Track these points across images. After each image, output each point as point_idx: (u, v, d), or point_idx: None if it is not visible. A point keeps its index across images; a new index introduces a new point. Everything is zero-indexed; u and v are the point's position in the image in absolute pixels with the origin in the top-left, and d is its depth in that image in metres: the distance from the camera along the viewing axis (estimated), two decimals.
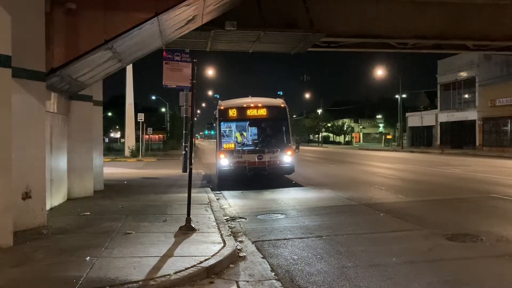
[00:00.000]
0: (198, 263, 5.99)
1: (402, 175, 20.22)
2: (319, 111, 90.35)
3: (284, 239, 8.14)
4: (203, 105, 78.36)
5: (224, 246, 6.88)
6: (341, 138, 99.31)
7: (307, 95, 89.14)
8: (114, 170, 21.22)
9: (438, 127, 53.33)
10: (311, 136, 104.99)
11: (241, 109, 16.35)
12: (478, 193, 13.62)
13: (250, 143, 16.96)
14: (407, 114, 61.42)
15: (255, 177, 15.77)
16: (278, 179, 16.88)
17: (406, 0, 17.17)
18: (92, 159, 12.71)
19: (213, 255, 6.40)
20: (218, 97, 55.38)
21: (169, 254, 6.48)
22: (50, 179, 10.01)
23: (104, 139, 45.38)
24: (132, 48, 11.67)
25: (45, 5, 8.39)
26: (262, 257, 6.88)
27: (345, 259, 6.75)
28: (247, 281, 5.77)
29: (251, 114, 16.37)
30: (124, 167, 24.96)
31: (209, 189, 14.69)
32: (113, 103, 74.03)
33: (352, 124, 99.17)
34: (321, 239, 8.06)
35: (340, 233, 8.47)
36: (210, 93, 58.65)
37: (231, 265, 6.37)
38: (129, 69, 37.04)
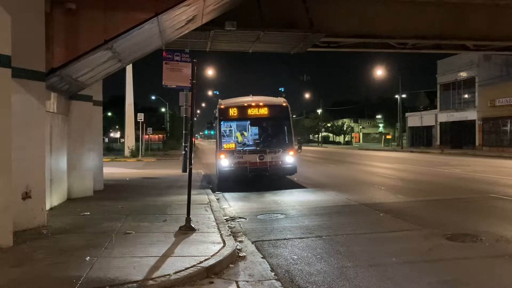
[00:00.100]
0: (198, 263, 5.99)
1: (402, 175, 20.22)
2: (319, 111, 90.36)
3: (284, 239, 8.14)
4: (203, 105, 78.44)
5: (224, 246, 6.88)
6: (340, 138, 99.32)
7: (307, 95, 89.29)
8: (114, 170, 21.22)
9: (438, 127, 53.34)
10: (310, 136, 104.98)
11: (242, 108, 15.96)
12: (478, 193, 13.63)
13: (251, 143, 16.48)
14: (406, 114, 61.44)
15: (255, 177, 15.44)
16: (278, 179, 16.74)
17: (406, 0, 17.18)
18: (92, 159, 12.71)
19: (213, 255, 6.40)
20: (218, 93, 55.12)
21: (169, 254, 6.48)
22: (50, 179, 10.01)
23: (104, 139, 45.38)
24: (132, 48, 11.67)
25: (45, 5, 8.39)
26: (262, 257, 6.89)
27: (345, 259, 6.75)
28: (247, 281, 5.77)
29: (252, 113, 15.97)
30: (124, 167, 24.96)
31: (209, 189, 14.69)
32: (113, 103, 74.04)
33: (352, 124, 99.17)
34: (321, 239, 8.06)
35: (340, 233, 8.47)
36: (210, 93, 58.63)
37: (231, 265, 6.37)
38: (129, 69, 37.02)
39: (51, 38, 8.97)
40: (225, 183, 15.91)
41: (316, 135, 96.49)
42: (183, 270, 5.71)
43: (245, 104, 16.03)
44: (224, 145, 15.79)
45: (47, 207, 9.30)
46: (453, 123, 50.28)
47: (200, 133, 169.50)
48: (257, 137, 16.92)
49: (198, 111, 78.59)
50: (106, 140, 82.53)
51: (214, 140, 19.39)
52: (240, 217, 10.34)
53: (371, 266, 6.37)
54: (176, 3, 9.43)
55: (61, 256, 6.35)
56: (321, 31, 16.10)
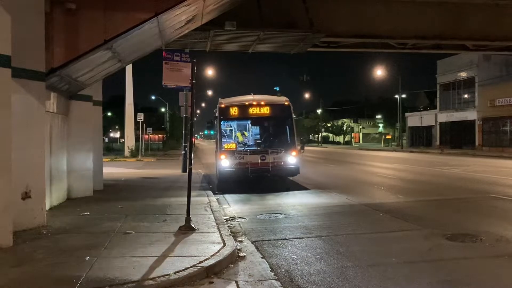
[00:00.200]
0: (198, 263, 5.99)
1: (402, 175, 20.22)
2: (319, 111, 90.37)
3: (284, 239, 8.14)
4: (203, 105, 78.47)
5: (223, 246, 6.88)
6: (340, 138, 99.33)
7: (307, 95, 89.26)
8: (114, 170, 21.22)
9: (438, 127, 53.34)
10: (310, 136, 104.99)
11: (243, 107, 15.50)
12: (478, 193, 13.63)
13: (252, 143, 16.06)
14: (406, 114, 61.44)
15: (256, 178, 15.04)
16: (278, 179, 16.41)
17: (406, 0, 17.18)
18: (91, 159, 12.70)
19: (213, 255, 6.40)
20: (210, 94, 54.53)
21: (168, 254, 6.48)
22: (49, 179, 10.01)
23: (103, 139, 45.39)
24: (132, 48, 11.67)
25: (44, 5, 8.39)
26: (261, 257, 6.89)
27: (345, 259, 6.75)
28: (247, 281, 5.77)
29: (253, 113, 15.52)
30: (124, 167, 24.96)
31: (208, 189, 14.69)
32: (112, 103, 74.01)
33: (352, 124, 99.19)
34: (320, 239, 8.06)
35: (339, 233, 8.47)
36: (210, 93, 58.62)
37: (230, 265, 6.37)
38: (129, 69, 37.02)
39: (51, 38, 8.97)
40: (225, 183, 15.56)
41: (316, 135, 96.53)
42: (183, 270, 5.71)
43: (246, 103, 15.60)
44: (225, 145, 15.41)
45: (47, 207, 9.30)
46: (453, 123, 50.29)
47: (200, 133, 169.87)
48: (258, 137, 16.57)
49: (198, 111, 78.68)
50: (106, 140, 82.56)
51: (214, 140, 19.28)
52: (240, 217, 10.34)
53: (371, 266, 6.37)
54: (176, 3, 9.43)
55: (61, 256, 6.35)
56: (321, 31, 16.10)
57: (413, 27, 17.56)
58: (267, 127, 16.43)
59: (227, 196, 13.92)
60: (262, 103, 15.52)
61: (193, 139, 10.53)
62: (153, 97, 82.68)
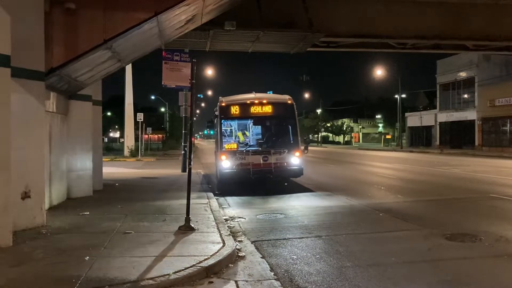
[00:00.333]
0: (197, 263, 5.99)
1: (402, 175, 20.22)
2: (319, 111, 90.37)
3: (284, 239, 8.14)
4: (202, 105, 78.23)
5: (223, 246, 6.88)
6: (340, 138, 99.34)
7: (307, 95, 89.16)
8: (113, 170, 21.21)
9: (438, 127, 53.35)
10: (310, 136, 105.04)
11: (244, 106, 14.94)
12: (477, 193, 13.63)
13: (254, 143, 15.51)
14: (406, 114, 61.46)
15: (257, 179, 14.49)
16: (281, 179, 15.98)
17: (406, 0, 17.18)
18: (91, 159, 12.69)
19: (212, 255, 6.40)
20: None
21: (168, 254, 6.48)
22: (49, 178, 10.01)
23: (103, 139, 45.37)
24: (132, 47, 11.66)
25: (44, 4, 8.39)
26: (261, 257, 6.88)
27: (345, 259, 6.75)
28: (246, 281, 5.77)
29: (255, 111, 14.92)
30: (123, 166, 24.95)
31: (208, 189, 14.69)
32: (112, 102, 74.02)
33: (352, 124, 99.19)
34: (320, 239, 8.06)
35: (339, 233, 8.47)
36: (209, 92, 58.56)
37: (230, 265, 6.37)
38: (129, 69, 37.01)
39: (51, 38, 8.97)
40: (226, 184, 15.09)
41: (316, 135, 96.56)
42: (183, 270, 5.71)
43: (248, 102, 15.05)
44: (225, 145, 14.87)
45: (47, 206, 9.30)
46: (453, 123, 50.30)
47: (200, 133, 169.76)
48: (260, 136, 16.06)
49: (198, 111, 78.54)
50: (106, 140, 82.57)
51: (214, 140, 19.16)
52: (240, 217, 10.34)
53: (370, 266, 6.37)
54: (175, 2, 9.43)
55: (61, 255, 6.35)
56: (321, 31, 16.09)
57: (413, 27, 17.56)
58: (270, 127, 15.90)
59: (226, 194, 13.90)
60: (264, 101, 15.02)
61: (192, 139, 10.51)
62: (152, 97, 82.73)
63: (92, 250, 6.58)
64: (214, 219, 9.20)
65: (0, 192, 6.69)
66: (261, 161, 14.11)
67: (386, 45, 19.14)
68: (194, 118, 10.04)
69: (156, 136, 74.16)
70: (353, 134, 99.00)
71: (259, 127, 16.27)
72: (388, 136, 74.03)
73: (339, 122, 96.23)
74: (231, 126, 16.60)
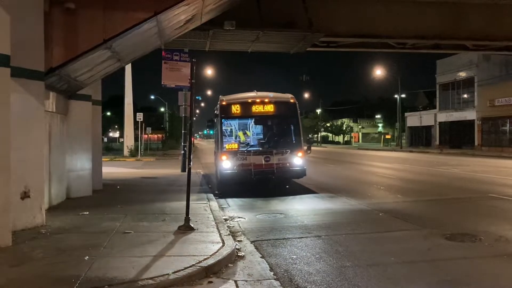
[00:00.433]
0: (197, 263, 5.99)
1: (401, 175, 20.23)
2: (318, 110, 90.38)
3: (283, 238, 8.14)
4: (202, 104, 78.38)
5: (223, 246, 6.88)
6: (340, 138, 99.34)
7: (306, 95, 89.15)
8: (113, 170, 21.20)
9: (437, 127, 53.36)
10: (310, 135, 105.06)
11: (246, 105, 14.54)
12: (477, 193, 13.63)
13: (256, 143, 15.13)
14: (406, 114, 61.47)
15: (259, 180, 14.06)
16: (283, 180, 15.60)
17: (406, 0, 17.18)
18: (90, 159, 12.69)
19: (212, 254, 6.40)
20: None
21: (167, 254, 6.48)
22: (48, 178, 10.00)
23: (103, 139, 45.37)
24: (131, 47, 11.66)
25: (44, 4, 8.39)
26: (261, 257, 6.88)
27: (344, 259, 6.75)
28: (246, 281, 5.76)
29: (257, 110, 14.53)
30: (123, 166, 24.95)
31: (208, 188, 14.69)
32: (112, 102, 74.00)
33: (351, 124, 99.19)
34: (320, 239, 8.06)
35: (339, 233, 8.47)
36: (209, 92, 58.56)
37: (229, 265, 6.37)
38: (128, 69, 36.98)
39: (50, 38, 8.96)
40: (226, 184, 14.74)
41: (315, 135, 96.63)
42: (182, 269, 5.71)
43: (249, 100, 14.64)
44: (226, 146, 14.43)
45: (46, 206, 9.29)
46: (452, 123, 50.32)
47: (199, 132, 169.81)
48: (262, 136, 15.70)
49: (197, 111, 78.56)
50: (105, 139, 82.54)
51: (214, 140, 19.06)
52: (239, 217, 10.33)
53: (370, 266, 6.37)
54: (175, 2, 9.42)
55: (60, 255, 6.35)
56: (321, 31, 16.08)
57: (413, 27, 17.55)
58: (272, 126, 15.50)
59: (227, 196, 13.86)
60: (266, 100, 14.60)
61: (192, 139, 10.50)
62: (152, 97, 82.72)
63: (92, 250, 6.58)
64: (214, 219, 9.19)
65: None
66: (263, 162, 13.78)
67: (386, 45, 19.15)
68: (194, 118, 10.03)
69: (155, 136, 74.18)
70: (352, 134, 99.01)
71: (261, 126, 15.91)
72: (388, 136, 74.05)
73: (339, 122, 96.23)
74: (232, 126, 16.22)
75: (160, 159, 33.45)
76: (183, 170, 20.43)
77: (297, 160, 14.10)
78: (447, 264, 6.49)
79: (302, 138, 14.79)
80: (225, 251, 6.59)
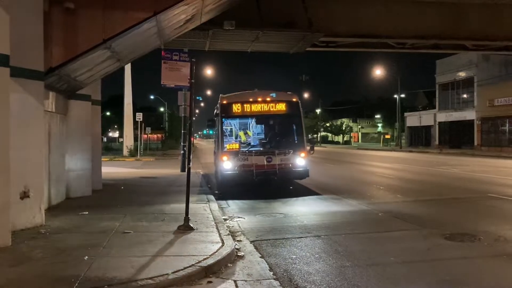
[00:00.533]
0: (196, 263, 5.99)
1: (401, 175, 20.24)
2: (318, 110, 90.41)
3: (283, 238, 8.14)
4: (202, 104, 78.30)
5: (222, 246, 6.88)
6: (339, 138, 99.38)
7: (306, 95, 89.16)
8: (113, 170, 21.19)
9: (437, 127, 53.38)
10: (309, 135, 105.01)
11: (247, 104, 14.17)
12: (477, 193, 13.64)
13: (257, 143, 14.88)
14: (405, 114, 61.50)
15: (261, 181, 13.73)
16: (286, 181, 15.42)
17: (405, 0, 17.19)
18: (90, 159, 12.69)
19: (212, 254, 6.40)
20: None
21: (167, 254, 6.48)
22: (48, 178, 10.00)
23: (102, 139, 45.35)
24: (131, 47, 11.65)
25: (43, 4, 8.38)
26: (260, 257, 6.88)
27: (344, 259, 6.76)
28: (245, 281, 5.76)
29: (258, 110, 14.21)
30: (123, 166, 24.94)
31: (207, 188, 14.68)
32: (111, 102, 73.98)
33: (351, 124, 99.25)
34: (319, 239, 8.06)
35: (338, 233, 8.47)
36: (209, 92, 58.54)
37: (229, 265, 6.37)
38: (128, 69, 36.96)
39: (50, 37, 8.96)
40: (226, 185, 14.30)
41: (315, 135, 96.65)
42: (182, 269, 5.71)
43: (251, 99, 14.27)
44: (227, 146, 14.09)
45: (46, 206, 9.28)
46: (452, 123, 50.33)
47: (199, 132, 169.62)
48: (263, 136, 15.47)
49: (197, 111, 78.55)
50: (105, 139, 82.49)
51: (214, 139, 18.97)
52: (239, 217, 10.33)
53: (369, 266, 6.37)
54: (174, 2, 9.42)
55: (60, 255, 6.35)
56: (320, 31, 16.07)
57: (412, 27, 17.55)
58: (273, 126, 15.13)
59: (227, 197, 13.85)
60: (268, 99, 14.22)
61: (192, 139, 10.48)
62: (152, 97, 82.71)
63: (91, 250, 6.58)
64: (213, 218, 9.19)
65: None
66: (265, 162, 13.43)
67: (385, 45, 19.14)
68: (193, 118, 10.03)
69: (155, 135, 74.13)
70: (352, 134, 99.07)
71: (262, 126, 15.62)
72: (387, 136, 74.07)
73: (338, 122, 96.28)
74: (233, 125, 15.96)
75: (159, 159, 33.45)
76: (183, 170, 20.43)
77: (300, 160, 13.77)
78: (447, 264, 6.49)
79: (304, 138, 14.53)
80: (225, 251, 6.58)
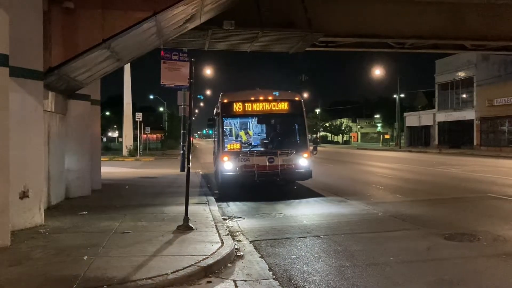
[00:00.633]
0: (196, 262, 5.99)
1: (400, 175, 20.25)
2: (317, 110, 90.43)
3: (282, 238, 8.14)
4: (201, 104, 78.28)
5: (222, 246, 6.88)
6: (339, 138, 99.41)
7: (306, 95, 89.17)
8: (112, 170, 21.18)
9: (436, 126, 53.41)
10: (311, 135, 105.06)
11: (249, 103, 13.77)
12: (476, 193, 13.65)
13: (259, 144, 14.55)
14: (405, 114, 61.53)
15: (262, 182, 13.35)
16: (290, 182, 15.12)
17: (404, 0, 17.19)
18: (90, 158, 12.68)
19: (211, 254, 6.40)
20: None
21: (166, 253, 6.48)
22: (47, 178, 10.00)
23: (102, 138, 45.35)
24: (130, 47, 11.65)
25: (42, 4, 8.37)
26: (260, 257, 6.88)
27: (343, 259, 6.76)
28: (245, 280, 5.77)
29: (260, 109, 13.82)
30: (122, 166, 24.93)
31: (207, 188, 14.68)
32: (111, 102, 73.99)
33: (350, 124, 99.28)
34: (319, 239, 8.07)
35: (338, 233, 8.48)
36: (208, 92, 58.55)
37: (228, 265, 6.37)
38: (127, 68, 36.95)
39: (49, 37, 8.96)
40: (227, 187, 14.07)
41: (314, 135, 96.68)
42: (181, 269, 5.71)
43: (252, 98, 13.86)
44: (228, 146, 13.71)
45: (45, 206, 9.28)
46: (451, 122, 50.37)
47: (198, 132, 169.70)
48: (265, 136, 15.15)
49: (196, 111, 78.49)
50: (104, 139, 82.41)
51: (213, 139, 18.91)
52: (238, 217, 10.33)
53: (369, 266, 6.38)
54: (174, 2, 9.43)
55: (59, 255, 6.34)
56: (320, 31, 16.08)
57: (411, 26, 17.54)
58: (275, 125, 14.81)
59: (225, 194, 13.85)
60: (270, 98, 13.80)
61: (191, 139, 10.46)
62: (151, 97, 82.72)
63: (91, 250, 6.58)
64: (213, 218, 9.19)
65: None
66: (267, 163, 13.05)
67: (385, 44, 19.14)
68: (193, 118, 10.03)
69: (154, 135, 74.14)
70: (351, 134, 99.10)
71: (264, 125, 15.26)
72: (387, 136, 74.14)
73: (338, 122, 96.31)
74: (234, 125, 15.68)
75: (159, 159, 33.43)
76: (182, 170, 20.43)
77: (303, 161, 13.39)
78: (446, 263, 6.50)
79: (307, 138, 14.20)
80: (224, 251, 6.59)
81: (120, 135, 63.60)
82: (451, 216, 10.23)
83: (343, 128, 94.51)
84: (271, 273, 6.10)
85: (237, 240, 7.81)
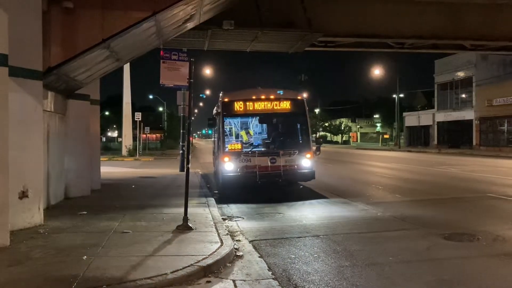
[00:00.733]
0: (195, 262, 5.99)
1: (400, 175, 20.25)
2: (317, 110, 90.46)
3: (281, 238, 8.14)
4: (201, 104, 78.25)
5: (221, 245, 6.88)
6: (338, 138, 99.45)
7: (305, 95, 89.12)
8: (111, 169, 21.17)
9: (435, 126, 53.43)
10: (314, 135, 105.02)
11: (250, 102, 13.47)
12: (475, 193, 13.66)
13: (261, 144, 14.27)
14: (404, 113, 61.56)
15: (264, 183, 13.08)
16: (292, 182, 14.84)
17: (404, 0, 17.20)
18: (89, 158, 12.68)
19: (210, 254, 6.40)
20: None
21: (166, 253, 6.48)
22: (47, 178, 9.98)
23: (101, 138, 45.33)
24: (130, 47, 11.64)
25: (42, 4, 8.37)
26: (259, 256, 6.88)
27: (342, 258, 6.76)
28: (244, 280, 5.77)
29: (262, 108, 13.49)
30: (121, 166, 24.92)
31: (206, 188, 14.67)
32: (110, 102, 73.98)
33: (350, 124, 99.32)
34: (318, 239, 8.07)
35: (337, 233, 8.48)
36: (208, 92, 58.54)
37: (228, 264, 6.37)
38: (126, 68, 36.94)
39: (49, 37, 8.95)
40: (228, 188, 13.73)
41: (314, 135, 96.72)
42: (181, 269, 5.71)
43: (254, 97, 13.55)
44: (228, 146, 13.41)
45: (44, 206, 9.26)
46: (451, 122, 50.39)
47: (198, 132, 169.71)
48: (267, 136, 14.85)
49: (196, 111, 78.48)
50: (104, 139, 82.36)
51: (213, 139, 18.82)
52: (238, 216, 10.33)
53: (368, 265, 6.38)
54: (173, 2, 9.43)
55: (58, 255, 6.34)
56: (319, 31, 16.08)
57: (411, 26, 17.54)
58: (277, 125, 14.49)
59: (225, 194, 13.84)
60: (272, 97, 13.48)
61: (191, 139, 10.45)
62: (151, 96, 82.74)
63: (90, 250, 6.57)
64: (212, 218, 9.19)
65: None
66: (269, 164, 12.71)
67: (384, 44, 19.14)
68: (192, 118, 10.02)
69: (154, 135, 74.08)
70: (351, 134, 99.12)
71: (266, 125, 14.91)
72: (386, 136, 74.19)
73: (337, 122, 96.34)
74: (235, 124, 15.33)
75: (158, 159, 33.43)
76: (182, 169, 20.43)
77: (306, 161, 13.08)
78: (445, 263, 6.50)
79: (310, 138, 13.92)
80: (224, 251, 6.59)
81: (120, 135, 63.57)
82: (451, 216, 10.24)
83: (342, 128, 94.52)
84: (270, 273, 6.10)
85: (237, 240, 7.80)
